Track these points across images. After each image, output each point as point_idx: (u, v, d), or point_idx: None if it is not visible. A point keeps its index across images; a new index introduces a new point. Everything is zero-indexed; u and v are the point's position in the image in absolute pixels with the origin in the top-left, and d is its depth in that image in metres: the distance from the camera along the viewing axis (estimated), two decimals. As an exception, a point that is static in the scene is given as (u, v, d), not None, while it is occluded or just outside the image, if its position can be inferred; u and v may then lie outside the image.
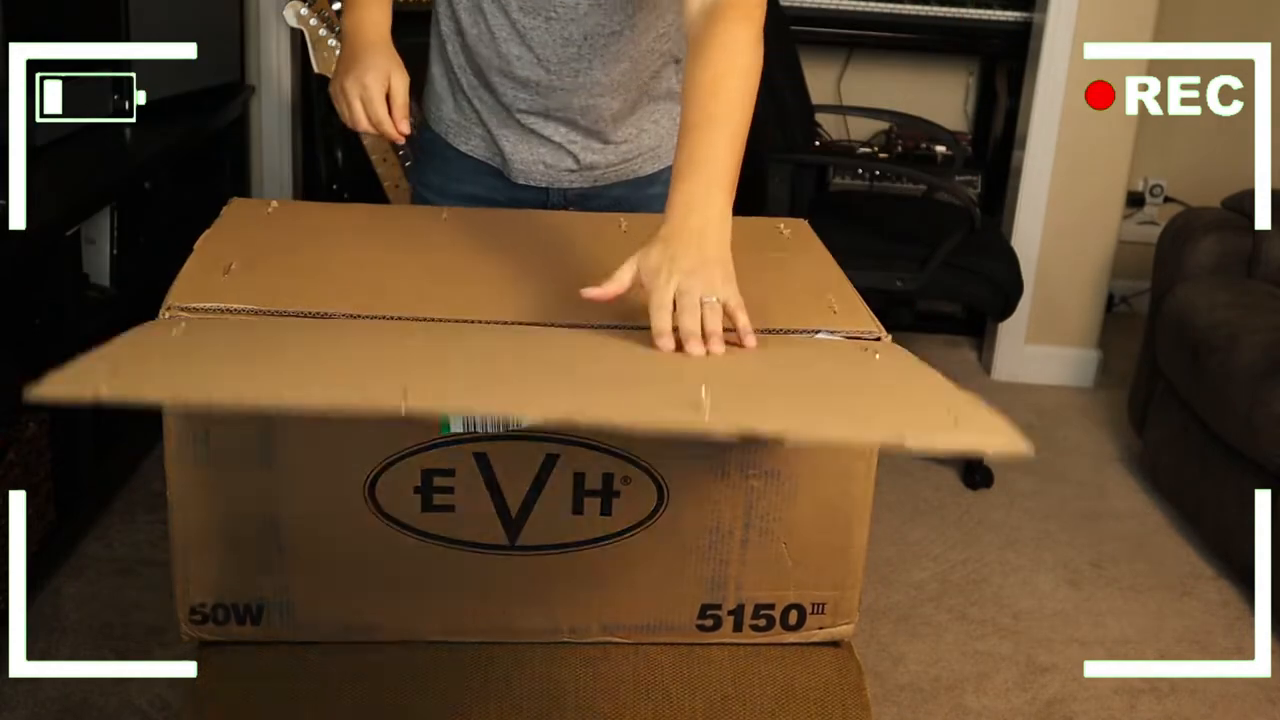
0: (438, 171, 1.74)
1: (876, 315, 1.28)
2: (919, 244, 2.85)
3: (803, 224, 1.57)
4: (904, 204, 3.48)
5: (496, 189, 1.70)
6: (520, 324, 1.20)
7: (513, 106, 1.64)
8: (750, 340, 1.16)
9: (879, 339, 1.24)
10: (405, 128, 1.55)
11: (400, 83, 1.55)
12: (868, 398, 1.11)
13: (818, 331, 1.24)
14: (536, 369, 1.06)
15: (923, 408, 1.09)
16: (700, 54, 1.32)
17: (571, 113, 1.62)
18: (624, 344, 1.13)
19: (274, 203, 1.51)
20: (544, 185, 1.69)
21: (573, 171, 1.67)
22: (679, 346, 1.13)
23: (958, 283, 2.91)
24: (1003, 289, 2.92)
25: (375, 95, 1.53)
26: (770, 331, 1.23)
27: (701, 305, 1.14)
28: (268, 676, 1.22)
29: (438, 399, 0.98)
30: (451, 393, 0.99)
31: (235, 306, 1.19)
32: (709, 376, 1.05)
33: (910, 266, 2.81)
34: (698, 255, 1.17)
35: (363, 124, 1.55)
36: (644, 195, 1.70)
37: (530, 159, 1.66)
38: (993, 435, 0.98)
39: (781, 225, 1.54)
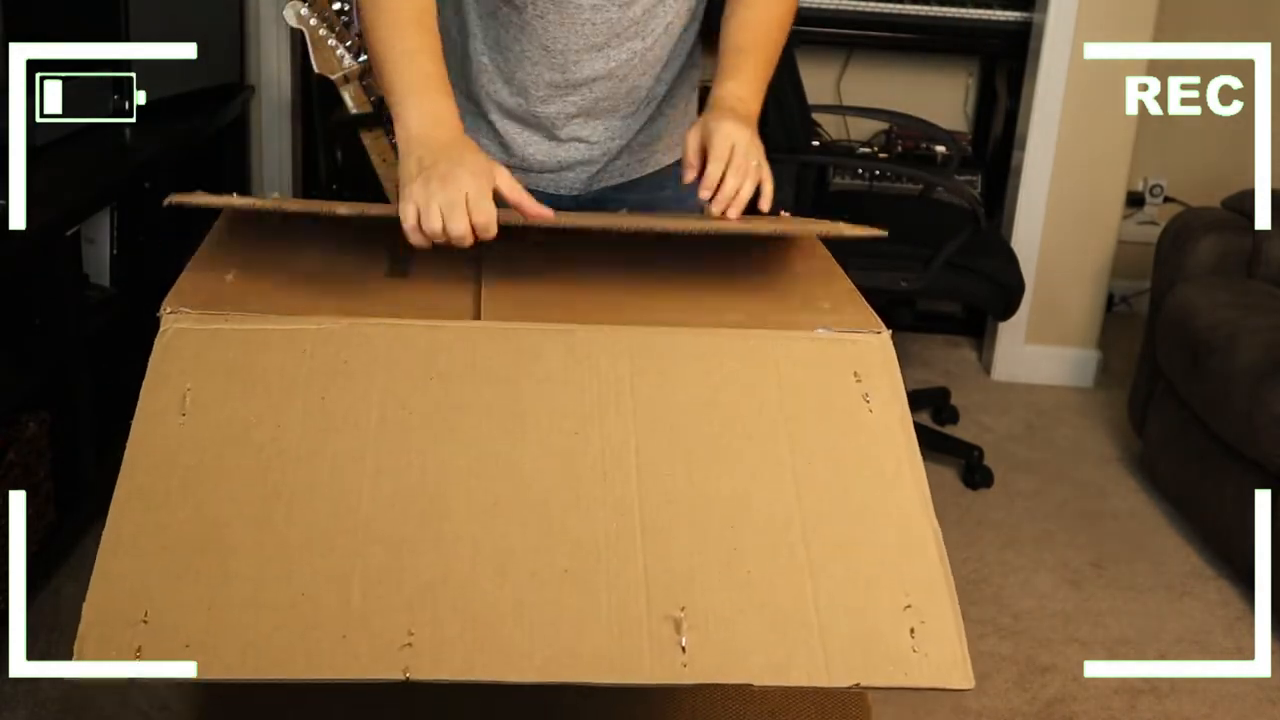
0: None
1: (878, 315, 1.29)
2: (922, 244, 2.85)
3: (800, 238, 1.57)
4: (905, 204, 3.48)
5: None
6: (516, 323, 1.20)
7: (556, 118, 1.61)
8: (766, 205, 1.41)
9: (879, 333, 1.24)
10: (548, 213, 1.32)
11: (504, 172, 1.29)
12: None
13: (817, 329, 1.24)
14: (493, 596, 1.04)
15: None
16: None
17: (617, 100, 1.61)
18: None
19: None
20: (570, 194, 1.67)
21: (599, 170, 1.66)
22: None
23: (961, 282, 2.91)
24: (1005, 288, 2.92)
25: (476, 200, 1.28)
26: (769, 328, 1.23)
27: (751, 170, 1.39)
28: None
29: (435, 667, 0.99)
30: (449, 660, 1.00)
31: (234, 310, 1.18)
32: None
33: (914, 267, 2.81)
34: (751, 133, 1.42)
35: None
36: (657, 198, 1.69)
37: (553, 163, 1.64)
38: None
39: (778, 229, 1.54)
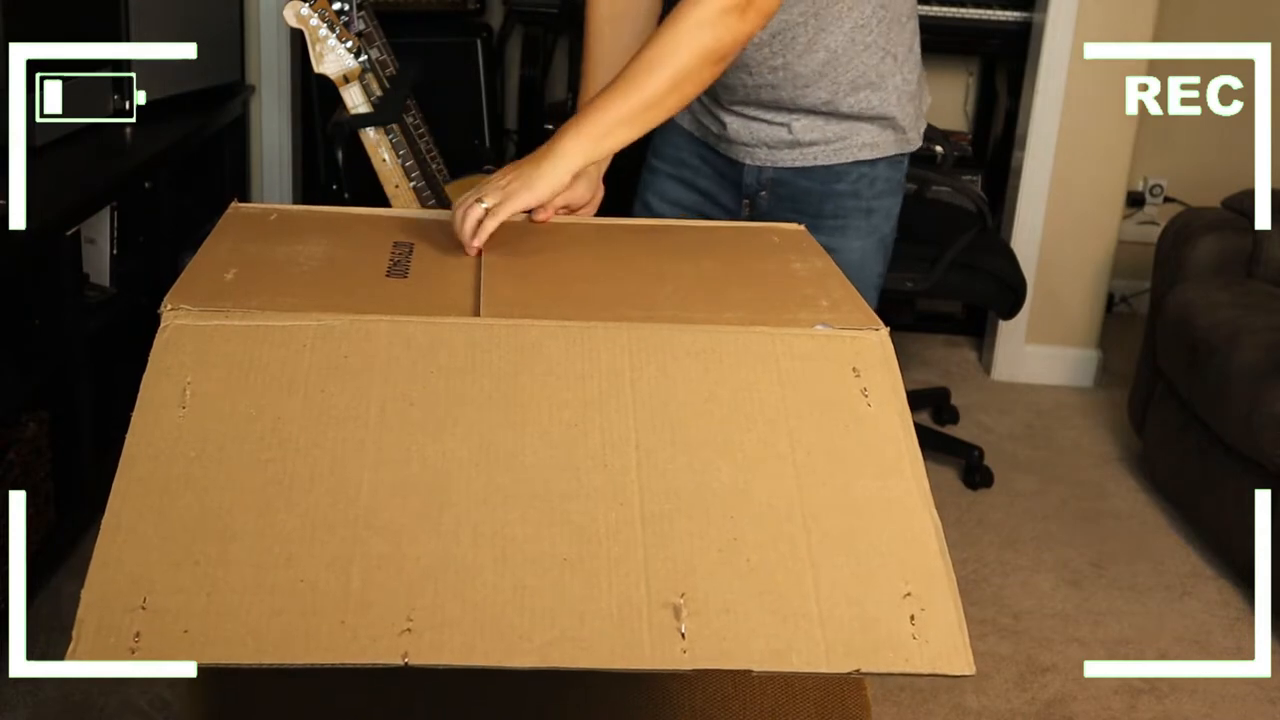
0: (664, 140, 1.85)
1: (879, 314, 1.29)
2: (926, 244, 2.85)
3: (799, 229, 1.57)
4: (907, 204, 3.47)
5: (706, 158, 1.83)
6: (517, 320, 1.21)
7: (725, 102, 1.75)
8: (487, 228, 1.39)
9: (877, 330, 1.24)
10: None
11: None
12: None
13: (815, 326, 1.24)
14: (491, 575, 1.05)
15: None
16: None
17: (783, 103, 1.72)
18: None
19: (274, 210, 1.51)
20: (753, 164, 1.77)
21: (789, 149, 1.75)
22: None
23: (966, 282, 2.91)
24: (1010, 287, 2.92)
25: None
26: (768, 325, 1.23)
27: (473, 205, 1.39)
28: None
29: (435, 652, 0.99)
30: (449, 645, 1.00)
31: (235, 307, 1.19)
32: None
33: (919, 266, 2.81)
34: (508, 171, 1.43)
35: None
36: (830, 190, 1.76)
37: (749, 138, 1.76)
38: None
39: (775, 235, 1.55)
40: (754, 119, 1.74)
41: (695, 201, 1.83)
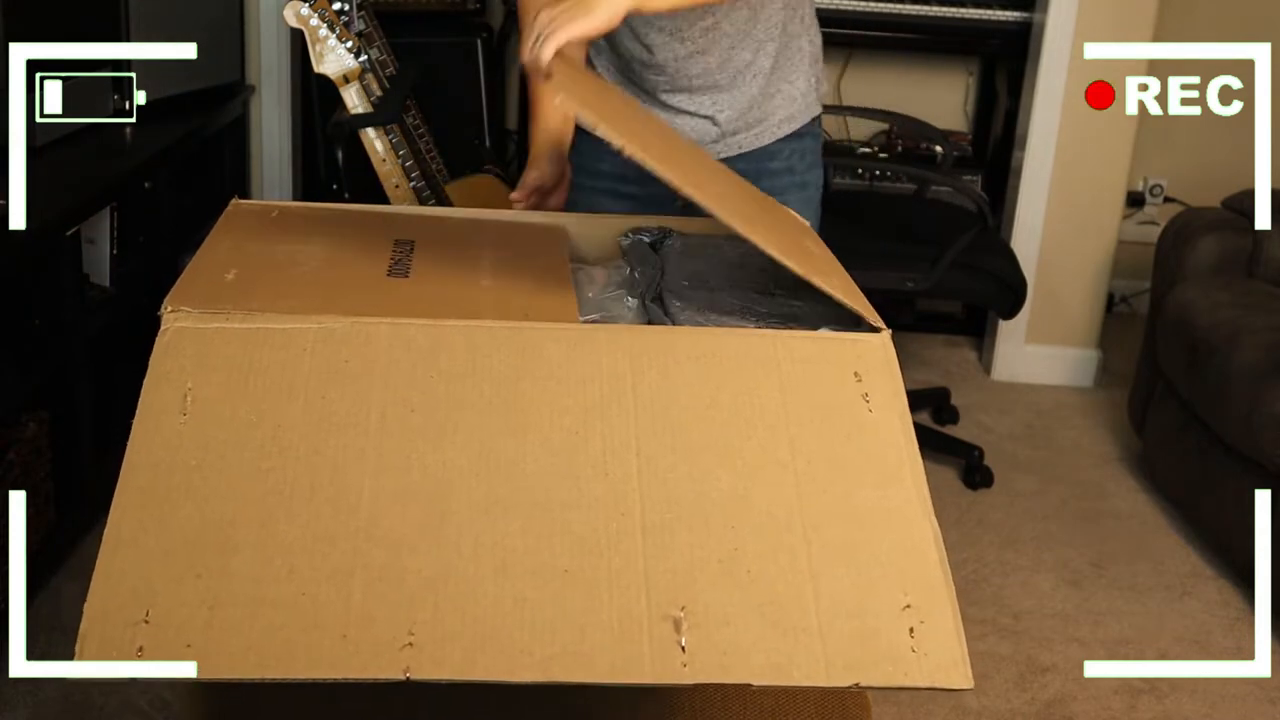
0: (579, 152, 1.87)
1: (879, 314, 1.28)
2: (926, 244, 2.85)
3: (804, 223, 1.57)
4: (905, 204, 3.48)
5: (629, 163, 1.78)
6: (518, 323, 1.21)
7: (655, 90, 1.78)
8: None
9: (879, 332, 1.24)
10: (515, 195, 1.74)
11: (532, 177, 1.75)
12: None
13: (819, 327, 1.24)
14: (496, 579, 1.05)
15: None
16: None
17: (711, 75, 1.76)
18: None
19: (276, 207, 1.50)
20: None
21: (715, 141, 1.81)
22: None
23: (966, 282, 2.91)
24: (1010, 287, 2.92)
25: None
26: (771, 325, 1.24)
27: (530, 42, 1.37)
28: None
29: (436, 667, 1.00)
30: (450, 659, 1.00)
31: (235, 309, 1.18)
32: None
33: (919, 266, 2.81)
34: (569, 6, 1.38)
35: None
36: (764, 169, 1.82)
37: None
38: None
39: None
40: (681, 111, 1.79)
41: (627, 208, 1.84)
